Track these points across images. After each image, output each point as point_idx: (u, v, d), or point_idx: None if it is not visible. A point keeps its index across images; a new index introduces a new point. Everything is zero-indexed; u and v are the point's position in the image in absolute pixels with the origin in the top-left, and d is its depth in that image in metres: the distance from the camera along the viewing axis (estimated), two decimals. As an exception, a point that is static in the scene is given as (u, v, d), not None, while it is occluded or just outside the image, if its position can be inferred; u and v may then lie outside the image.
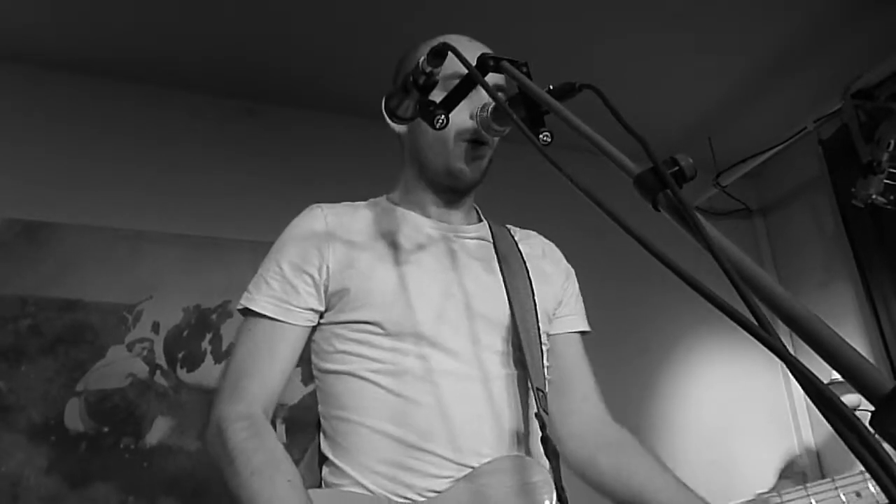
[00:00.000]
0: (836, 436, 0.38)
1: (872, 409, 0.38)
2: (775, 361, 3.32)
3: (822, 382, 0.39)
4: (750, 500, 0.92)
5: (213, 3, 2.33)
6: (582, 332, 1.20)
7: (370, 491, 0.93)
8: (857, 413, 0.38)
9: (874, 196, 2.47)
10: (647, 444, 1.12)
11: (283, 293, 1.01)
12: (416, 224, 1.09)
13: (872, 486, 0.94)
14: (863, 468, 0.94)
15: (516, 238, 1.18)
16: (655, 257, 0.48)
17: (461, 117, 0.98)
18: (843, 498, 0.93)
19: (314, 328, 1.04)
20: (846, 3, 2.52)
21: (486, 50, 1.02)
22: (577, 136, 0.63)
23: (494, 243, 1.13)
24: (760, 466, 3.08)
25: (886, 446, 0.37)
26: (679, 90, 2.95)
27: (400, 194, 1.14)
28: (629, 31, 2.57)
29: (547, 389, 1.06)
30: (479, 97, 0.95)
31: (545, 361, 1.07)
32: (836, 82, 2.74)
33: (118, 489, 2.16)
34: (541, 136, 0.77)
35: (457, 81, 0.85)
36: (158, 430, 2.28)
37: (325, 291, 1.02)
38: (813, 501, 0.92)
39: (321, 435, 1.03)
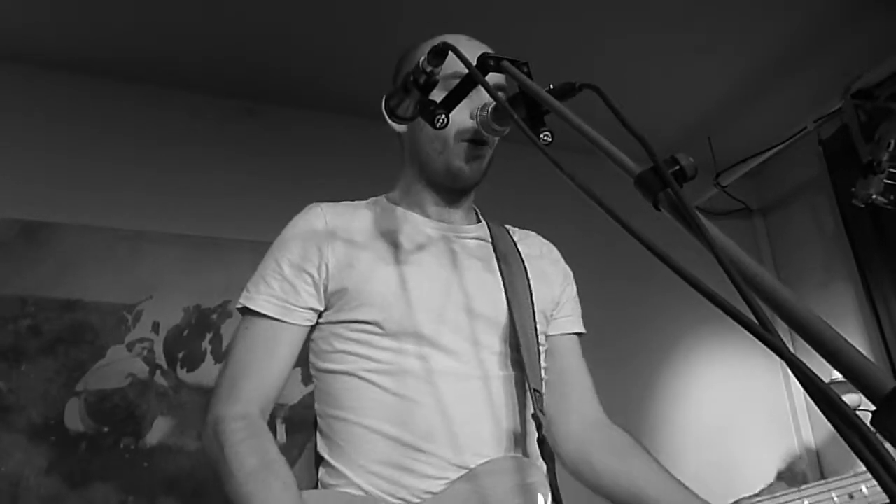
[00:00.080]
0: (837, 436, 0.38)
1: (873, 408, 0.38)
2: (775, 362, 3.32)
3: (824, 382, 0.39)
4: (742, 499, 0.92)
5: (213, 3, 2.33)
6: (579, 334, 1.20)
7: (366, 492, 0.92)
8: (858, 413, 0.38)
9: (874, 196, 2.47)
10: (647, 445, 1.12)
11: (282, 292, 1.00)
12: (416, 224, 1.08)
13: (865, 488, 0.95)
14: (860, 469, 0.95)
15: (515, 238, 1.18)
16: (656, 256, 0.48)
17: (461, 117, 0.98)
18: (836, 500, 0.93)
19: (313, 327, 1.04)
20: (846, 3, 2.52)
21: (487, 49, 1.02)
22: (577, 137, 0.63)
23: (493, 243, 1.12)
24: (760, 466, 3.08)
25: (888, 445, 0.37)
26: (679, 90, 2.95)
27: (400, 194, 1.14)
28: (629, 31, 2.57)
29: (544, 390, 1.05)
30: (480, 97, 0.95)
31: (542, 362, 1.07)
32: (836, 82, 2.74)
33: (118, 489, 2.16)
34: (541, 135, 0.77)
35: (457, 81, 0.85)
36: (158, 430, 2.28)
37: (325, 291, 1.01)
38: (806, 502, 0.92)
39: (318, 434, 1.03)
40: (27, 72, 2.51)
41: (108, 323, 2.34)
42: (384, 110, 0.93)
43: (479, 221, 1.17)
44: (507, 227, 1.21)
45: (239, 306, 1.03)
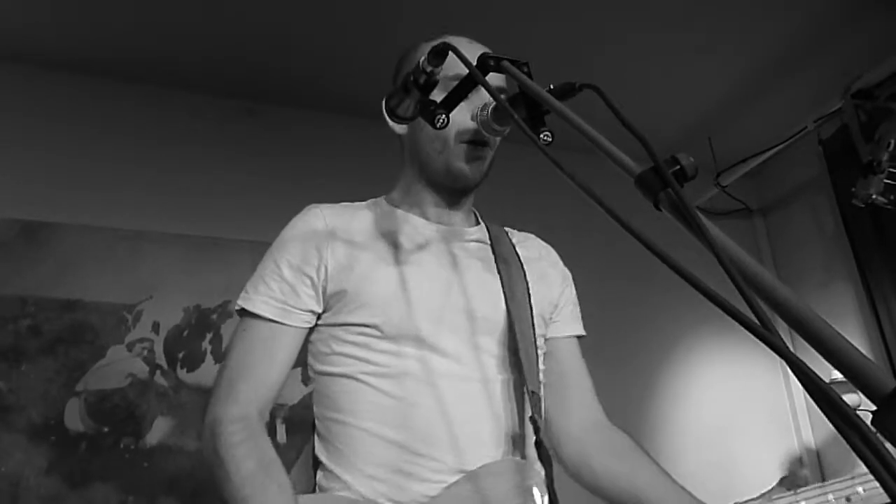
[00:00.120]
0: (837, 436, 0.38)
1: (873, 409, 0.38)
2: (775, 362, 3.32)
3: (824, 381, 0.39)
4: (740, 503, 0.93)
5: (213, 3, 2.33)
6: (578, 337, 1.20)
7: (363, 496, 0.92)
8: (858, 413, 0.38)
9: (874, 196, 2.47)
10: (647, 445, 1.12)
11: (280, 294, 1.00)
12: (416, 225, 1.08)
13: (861, 490, 0.95)
14: (858, 472, 0.95)
15: (514, 241, 1.17)
16: (657, 256, 0.48)
17: (462, 118, 0.98)
18: (833, 502, 0.93)
19: (311, 329, 1.03)
20: (846, 3, 2.52)
21: (487, 51, 1.02)
22: (577, 137, 0.63)
23: (492, 246, 1.12)
24: (760, 467, 3.08)
25: (888, 445, 0.37)
26: (679, 90, 2.95)
27: (399, 195, 1.13)
28: (629, 31, 2.57)
29: (542, 393, 1.05)
30: (480, 98, 0.95)
31: (540, 365, 1.07)
32: (836, 82, 2.74)
33: (118, 489, 2.16)
34: (541, 135, 0.77)
35: (457, 82, 0.85)
36: (158, 430, 2.28)
37: (323, 293, 1.01)
38: None
39: (316, 437, 1.02)
40: (27, 72, 2.51)
41: (108, 323, 2.34)
42: (384, 110, 0.93)
43: (478, 223, 1.17)
44: (506, 229, 1.21)
45: (237, 308, 1.03)
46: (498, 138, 1.04)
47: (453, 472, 0.92)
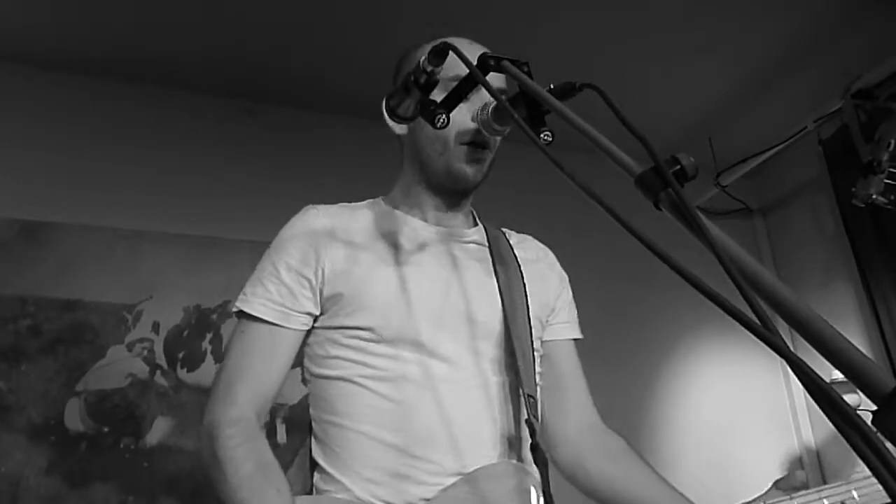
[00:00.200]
0: (837, 436, 0.38)
1: (873, 409, 0.38)
2: (776, 362, 3.32)
3: (825, 381, 0.39)
4: None
5: (213, 3, 2.32)
6: (575, 339, 1.19)
7: (360, 499, 0.92)
8: (858, 413, 0.38)
9: (874, 196, 2.47)
10: (647, 445, 1.13)
11: (278, 296, 1.00)
12: (416, 227, 1.08)
13: (856, 494, 0.95)
14: (852, 476, 0.95)
15: (512, 242, 1.17)
16: (657, 256, 0.48)
17: (462, 119, 0.98)
18: None
19: (309, 331, 1.03)
20: (846, 3, 2.52)
21: (487, 51, 1.02)
22: (577, 137, 0.63)
23: (490, 247, 1.12)
24: (760, 467, 3.08)
25: (889, 444, 0.37)
26: (679, 90, 2.95)
27: (398, 196, 1.13)
28: (629, 31, 2.57)
29: (538, 396, 1.05)
30: (480, 98, 0.95)
31: (537, 367, 1.07)
32: (836, 82, 2.74)
33: (118, 489, 2.16)
34: (542, 135, 0.77)
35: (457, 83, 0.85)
36: (158, 430, 2.28)
37: (320, 295, 1.00)
38: None
39: (313, 439, 1.02)
40: (27, 72, 2.51)
41: (108, 323, 2.34)
42: (384, 110, 0.93)
43: (476, 224, 1.17)
44: (504, 230, 1.21)
45: (235, 310, 1.02)
46: (498, 139, 1.04)
47: (452, 475, 0.92)
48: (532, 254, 1.19)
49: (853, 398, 2.10)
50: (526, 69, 0.78)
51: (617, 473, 1.06)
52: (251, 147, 2.75)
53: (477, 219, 1.19)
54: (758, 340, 0.42)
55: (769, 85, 2.96)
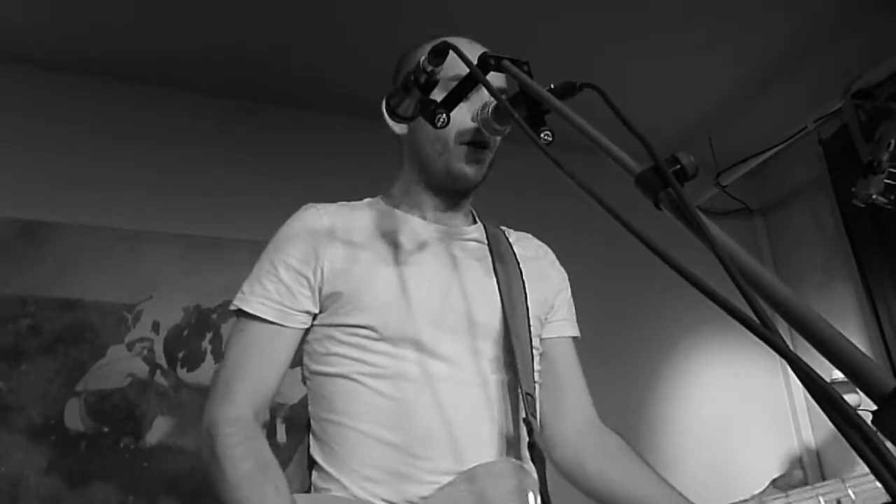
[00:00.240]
0: (837, 435, 0.38)
1: (873, 409, 0.38)
2: (775, 361, 3.32)
3: (825, 380, 0.39)
4: None
5: (213, 3, 2.32)
6: (573, 338, 1.19)
7: (358, 497, 0.92)
8: (858, 412, 0.38)
9: (874, 196, 2.47)
10: (647, 445, 1.13)
11: (277, 295, 0.99)
12: (416, 226, 1.08)
13: (852, 493, 0.95)
14: (848, 474, 0.95)
15: (511, 240, 1.17)
16: (657, 255, 0.48)
17: (462, 118, 0.98)
18: None
19: (307, 329, 1.03)
20: (846, 3, 2.52)
21: (487, 51, 1.02)
22: (577, 137, 0.63)
23: (490, 245, 1.12)
24: (760, 466, 3.08)
25: (889, 444, 0.37)
26: (679, 90, 2.95)
27: (397, 195, 1.13)
28: (629, 31, 2.57)
29: (536, 394, 1.05)
30: (480, 98, 0.95)
31: (535, 366, 1.07)
32: (836, 82, 2.74)
33: (118, 489, 2.16)
34: (542, 134, 0.77)
35: (457, 82, 0.85)
36: (158, 430, 2.28)
37: (319, 294, 1.00)
38: None
39: (311, 437, 1.02)
40: (27, 72, 2.51)
41: (108, 323, 2.34)
42: (384, 110, 0.93)
43: (475, 222, 1.17)
44: (503, 228, 1.21)
45: (233, 308, 1.02)
46: (498, 139, 1.04)
47: (451, 474, 0.92)
48: (531, 252, 1.19)
49: (853, 398, 2.10)
50: (526, 69, 0.78)
51: (616, 473, 1.06)
52: (251, 147, 2.75)
53: (476, 217, 1.19)
54: (758, 340, 0.42)
55: (769, 85, 2.96)
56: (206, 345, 2.44)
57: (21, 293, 2.27)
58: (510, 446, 0.98)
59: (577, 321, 1.21)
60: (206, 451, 0.93)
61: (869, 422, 0.37)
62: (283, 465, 0.91)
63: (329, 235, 1.03)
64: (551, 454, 1.11)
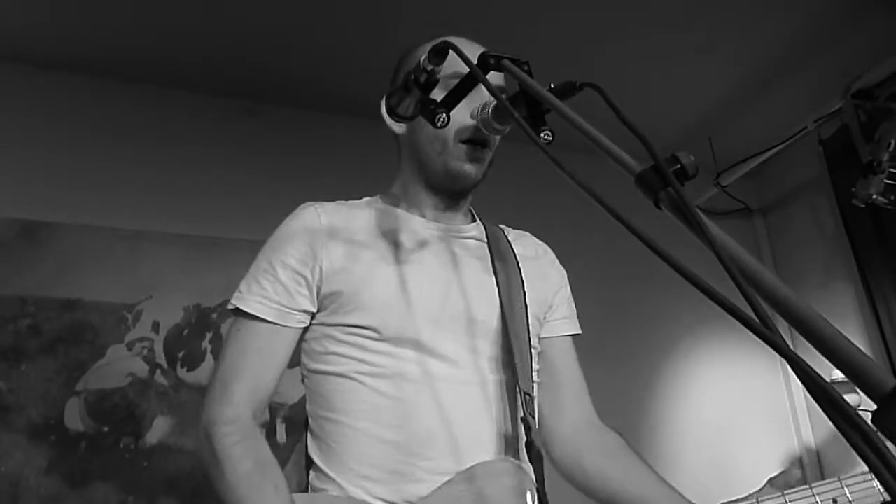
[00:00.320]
0: (837, 435, 0.38)
1: (873, 409, 0.38)
2: (775, 361, 3.32)
3: (825, 380, 0.39)
4: (728, 502, 0.93)
5: (213, 3, 2.32)
6: (573, 336, 1.19)
7: (357, 496, 0.92)
8: (858, 412, 0.38)
9: (874, 196, 2.47)
10: (646, 444, 1.13)
11: (274, 294, 0.99)
12: (415, 225, 1.08)
13: (848, 493, 0.95)
14: (845, 473, 0.95)
15: (510, 238, 1.17)
16: (657, 255, 0.48)
17: (462, 117, 0.97)
18: None
19: (306, 328, 1.02)
20: (846, 3, 2.52)
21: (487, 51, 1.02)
22: (577, 136, 0.63)
23: (489, 244, 1.12)
24: (760, 466, 3.07)
25: (889, 444, 0.37)
26: (679, 90, 2.95)
27: (396, 195, 1.13)
28: (629, 31, 2.57)
29: (535, 393, 1.05)
30: (480, 97, 0.95)
31: (534, 365, 1.07)
32: (836, 82, 2.74)
33: (118, 489, 2.16)
34: (542, 134, 0.77)
35: (457, 81, 0.85)
36: (158, 430, 2.28)
37: (318, 293, 1.00)
38: None
39: (309, 436, 1.02)
40: (27, 72, 2.51)
41: (108, 322, 2.34)
42: (384, 109, 0.93)
43: (474, 221, 1.17)
44: (502, 227, 1.21)
45: (231, 307, 1.01)
46: (497, 138, 1.04)
47: (449, 473, 0.92)
48: (531, 251, 1.19)
49: (853, 398, 2.10)
50: (526, 68, 0.78)
51: (614, 472, 1.06)
52: (251, 147, 2.75)
53: (475, 215, 1.19)
54: (758, 339, 0.42)
55: (769, 85, 2.96)
56: (206, 344, 2.44)
57: (21, 293, 2.27)
58: (509, 446, 0.98)
59: (577, 318, 1.21)
60: (205, 451, 0.92)
61: (869, 422, 0.37)
62: (283, 464, 0.91)
63: (327, 234, 1.02)
64: (550, 452, 1.11)
